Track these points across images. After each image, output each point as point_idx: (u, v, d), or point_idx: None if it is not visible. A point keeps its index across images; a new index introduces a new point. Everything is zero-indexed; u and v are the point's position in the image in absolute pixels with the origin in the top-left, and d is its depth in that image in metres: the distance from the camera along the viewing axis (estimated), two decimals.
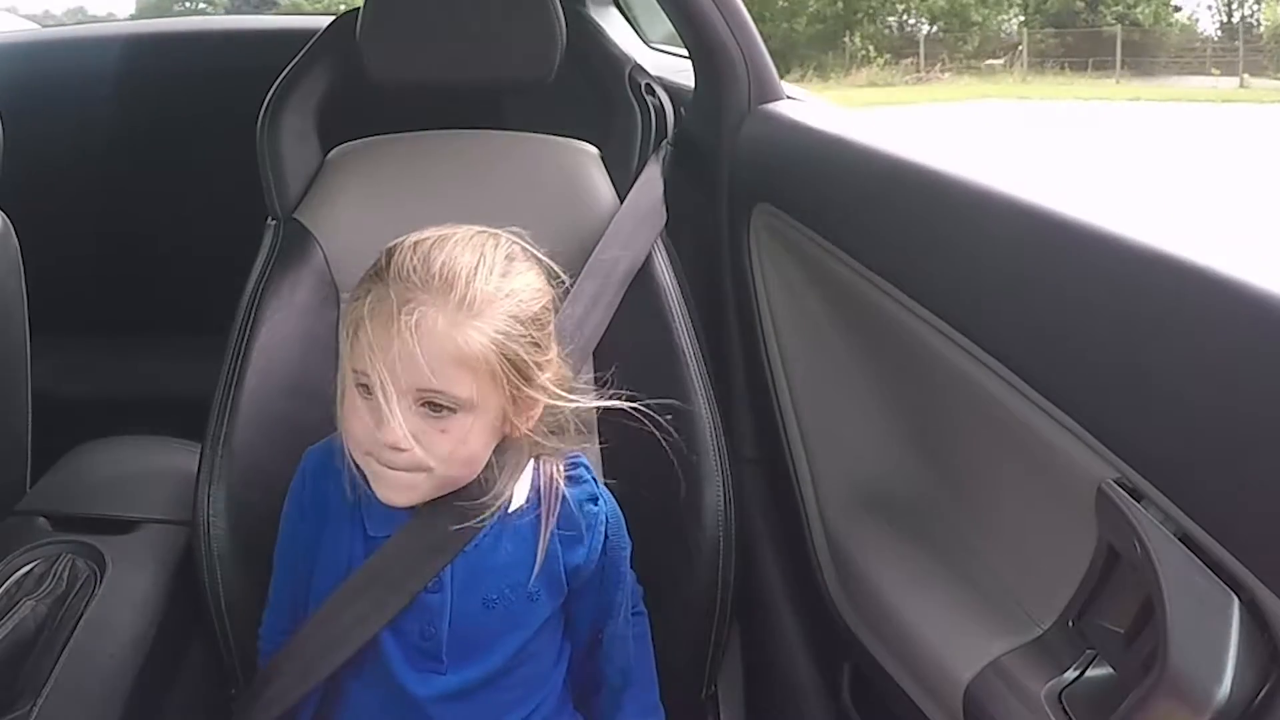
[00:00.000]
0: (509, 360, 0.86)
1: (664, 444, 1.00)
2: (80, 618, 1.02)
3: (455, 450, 0.87)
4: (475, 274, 0.86)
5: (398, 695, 0.93)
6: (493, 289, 0.86)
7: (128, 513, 1.19)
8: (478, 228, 0.92)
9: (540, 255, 0.93)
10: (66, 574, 1.07)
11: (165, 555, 1.13)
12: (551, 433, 0.94)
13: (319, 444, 1.00)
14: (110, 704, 0.96)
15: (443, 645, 0.93)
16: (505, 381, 0.86)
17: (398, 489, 0.88)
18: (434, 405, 0.85)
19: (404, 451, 0.85)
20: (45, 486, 1.28)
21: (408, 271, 0.85)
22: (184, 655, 1.10)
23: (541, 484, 0.95)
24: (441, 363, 0.83)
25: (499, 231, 0.92)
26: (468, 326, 0.84)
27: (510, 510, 0.93)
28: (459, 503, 0.91)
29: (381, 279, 0.86)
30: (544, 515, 0.94)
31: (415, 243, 0.88)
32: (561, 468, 0.97)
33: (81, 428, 1.36)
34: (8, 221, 1.25)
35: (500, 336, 0.86)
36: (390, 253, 0.88)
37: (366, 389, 0.85)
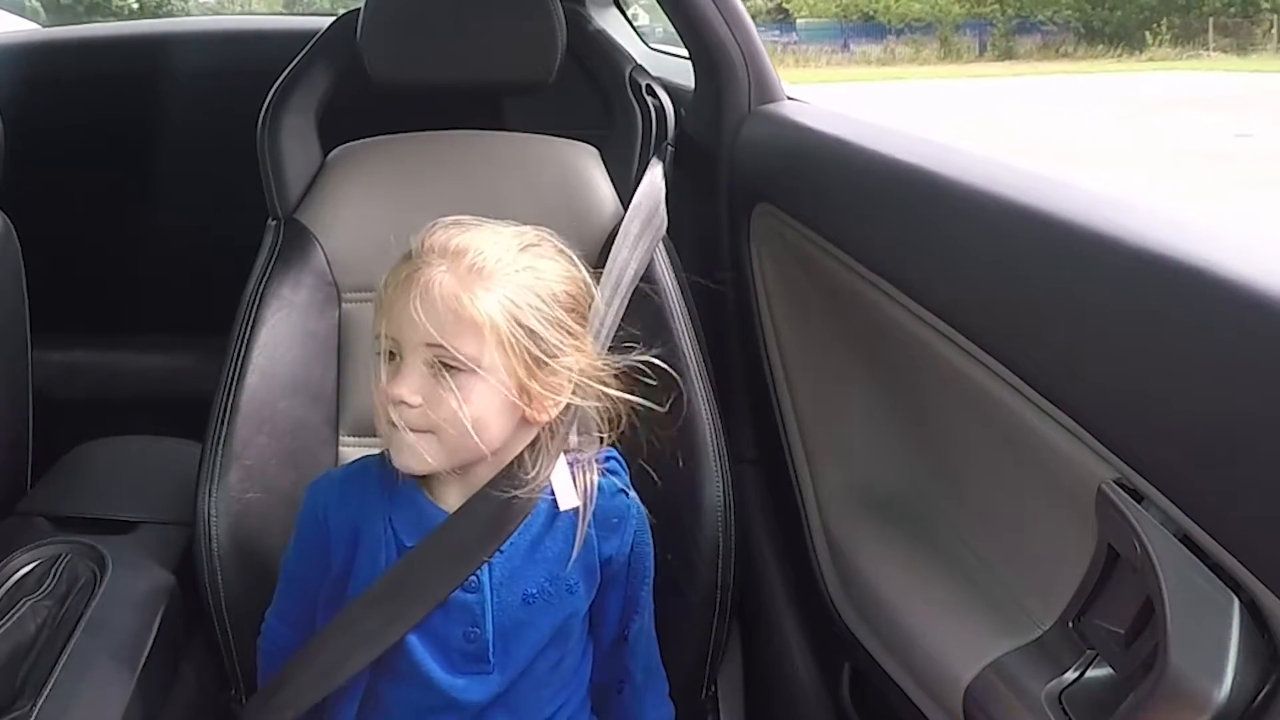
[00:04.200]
0: (522, 328, 0.88)
1: (664, 444, 1.00)
2: (80, 618, 1.02)
3: (459, 410, 0.87)
4: (493, 246, 0.90)
5: (443, 703, 0.93)
6: (509, 260, 0.90)
7: (128, 513, 1.19)
8: (518, 224, 0.94)
9: (572, 255, 0.95)
10: (66, 574, 1.07)
11: (165, 555, 1.13)
12: (582, 433, 0.95)
13: (321, 479, 1.00)
14: (110, 704, 0.96)
15: (489, 646, 0.93)
16: (516, 350, 0.88)
17: (411, 453, 0.89)
18: (445, 365, 0.87)
19: (414, 408, 0.87)
20: (45, 486, 1.28)
21: (429, 247, 0.90)
22: (184, 655, 1.10)
23: (578, 476, 0.96)
24: (446, 318, 0.86)
25: (538, 230, 0.95)
26: (476, 288, 0.87)
27: (564, 509, 0.95)
28: (494, 492, 0.91)
29: (407, 258, 0.91)
30: (582, 505, 0.95)
31: (448, 225, 0.92)
32: (594, 461, 0.97)
33: (81, 428, 1.36)
34: (8, 221, 1.25)
35: (509, 302, 0.88)
36: (423, 238, 0.92)
37: (388, 355, 0.89)
